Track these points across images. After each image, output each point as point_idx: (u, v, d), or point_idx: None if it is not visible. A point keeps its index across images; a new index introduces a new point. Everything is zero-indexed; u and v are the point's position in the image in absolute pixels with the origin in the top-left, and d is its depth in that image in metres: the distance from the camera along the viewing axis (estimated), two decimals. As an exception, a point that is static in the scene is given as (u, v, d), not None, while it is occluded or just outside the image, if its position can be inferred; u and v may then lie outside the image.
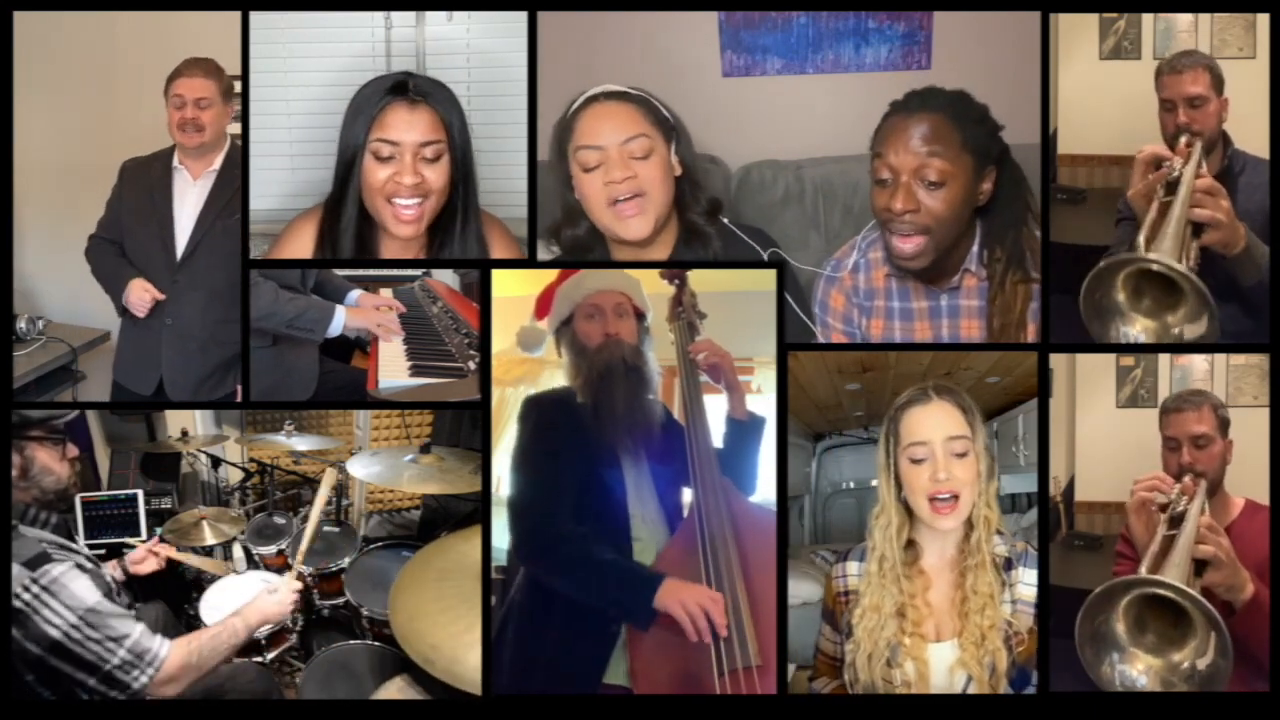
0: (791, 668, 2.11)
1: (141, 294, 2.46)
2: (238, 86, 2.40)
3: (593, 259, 2.17)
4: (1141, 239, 1.85)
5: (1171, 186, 1.89)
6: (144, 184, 2.52)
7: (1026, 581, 1.77)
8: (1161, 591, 1.75)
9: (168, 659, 1.84)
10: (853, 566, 1.87)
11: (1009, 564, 1.78)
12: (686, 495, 1.95)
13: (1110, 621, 1.81)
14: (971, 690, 1.73)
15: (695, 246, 2.15)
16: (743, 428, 2.03)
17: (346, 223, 2.10)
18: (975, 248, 2.07)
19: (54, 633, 1.78)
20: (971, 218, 2.04)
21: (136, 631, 1.84)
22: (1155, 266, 1.81)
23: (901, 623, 1.76)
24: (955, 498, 1.73)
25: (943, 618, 1.77)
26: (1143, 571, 1.78)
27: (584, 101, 2.07)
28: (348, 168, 2.07)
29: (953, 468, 1.74)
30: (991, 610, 1.73)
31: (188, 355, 2.49)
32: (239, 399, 2.55)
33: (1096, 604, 1.80)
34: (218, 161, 2.50)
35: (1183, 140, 1.99)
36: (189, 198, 2.49)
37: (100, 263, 2.56)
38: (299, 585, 2.12)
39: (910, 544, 1.80)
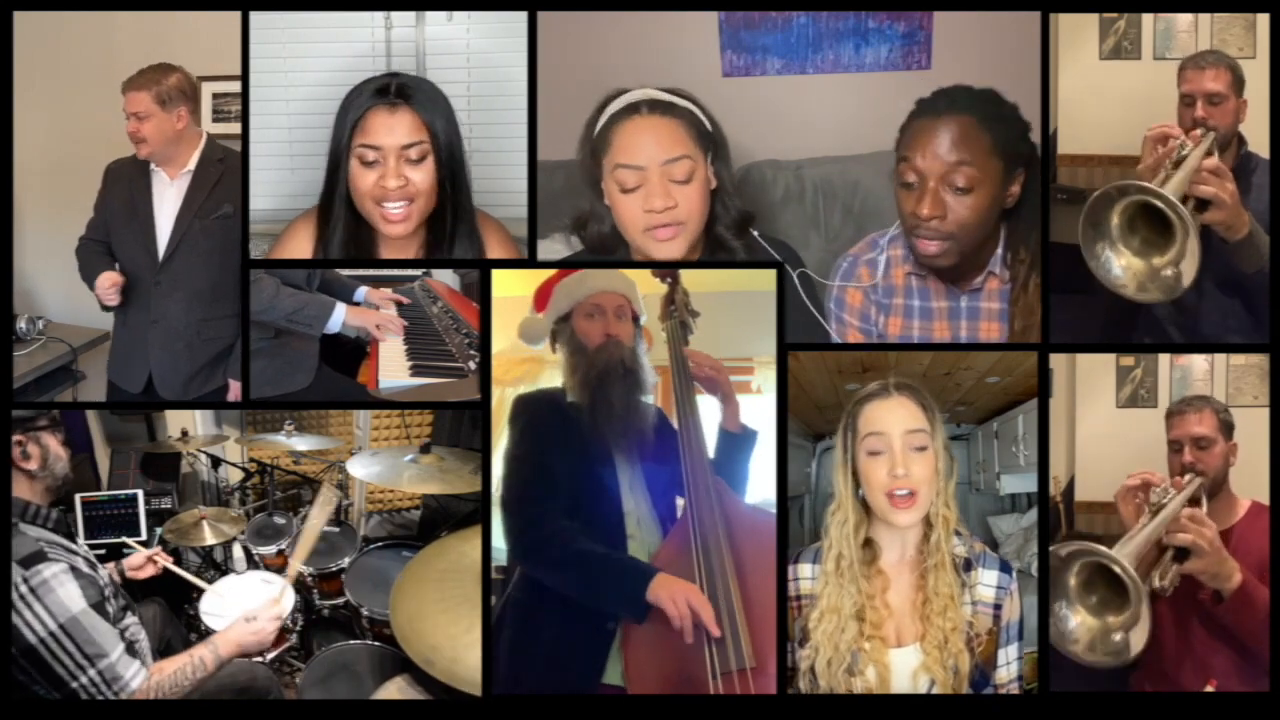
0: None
1: (104, 284, 2.49)
2: (240, 87, 2.39)
3: (616, 257, 2.14)
4: None
5: (1178, 164, 1.91)
6: (125, 186, 2.55)
7: (985, 582, 1.75)
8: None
9: (136, 690, 1.85)
10: (805, 569, 1.81)
11: (968, 565, 1.75)
12: (680, 500, 1.93)
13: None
14: (935, 693, 1.71)
15: (722, 259, 2.12)
16: (735, 440, 2.01)
17: (334, 225, 2.11)
18: (1000, 250, 2.04)
19: (31, 638, 1.78)
20: (998, 220, 2.01)
21: (114, 654, 1.83)
22: (1151, 198, 1.82)
23: (861, 626, 1.71)
24: (913, 494, 1.70)
25: (903, 620, 1.74)
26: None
27: (624, 109, 2.01)
28: (334, 171, 2.08)
29: (911, 463, 1.70)
30: (953, 612, 1.70)
31: (175, 354, 2.52)
32: (237, 398, 2.57)
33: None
34: (192, 161, 2.52)
35: (1198, 131, 2.01)
36: (167, 198, 2.51)
37: (83, 262, 2.59)
38: (282, 614, 2.11)
39: (868, 543, 1.76)
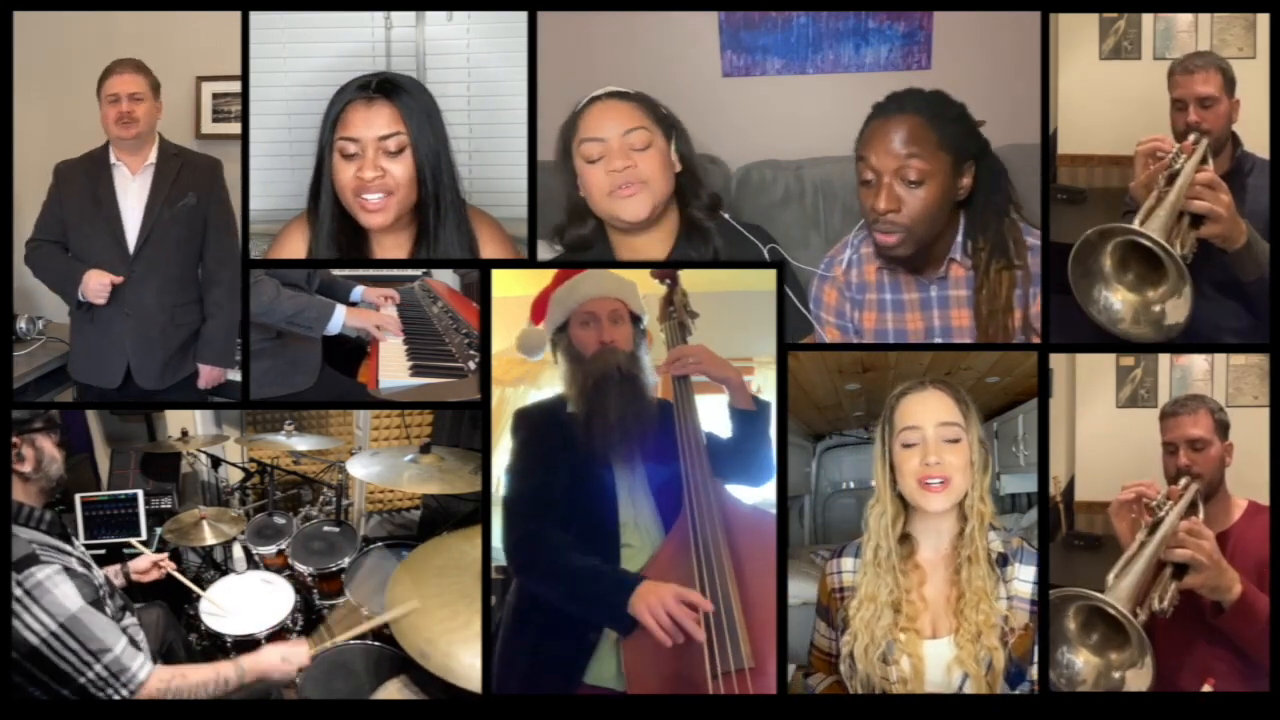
0: (791, 668, 2.10)
1: (100, 280, 2.50)
2: (240, 87, 2.40)
3: (594, 256, 2.17)
4: (1136, 223, 1.90)
5: (1173, 178, 1.93)
6: (84, 183, 2.57)
7: (1022, 578, 1.77)
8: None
9: (146, 684, 1.84)
10: (848, 563, 1.87)
11: (1004, 560, 1.77)
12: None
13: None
14: (968, 688, 1.72)
15: (696, 242, 2.17)
16: (749, 417, 2.02)
17: (322, 220, 2.12)
18: (959, 238, 2.12)
19: (33, 639, 1.78)
20: (954, 211, 2.09)
21: (118, 647, 1.83)
22: (1138, 239, 1.86)
23: (896, 618, 1.75)
24: (946, 481, 1.73)
25: (938, 614, 1.77)
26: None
27: (587, 101, 2.11)
28: (319, 168, 2.10)
29: (943, 453, 1.74)
30: (986, 606, 1.72)
31: (149, 341, 2.55)
32: (206, 383, 2.61)
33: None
34: (152, 155, 2.56)
35: (1191, 138, 2.02)
36: (131, 192, 2.55)
37: (47, 264, 2.60)
38: (307, 664, 2.12)
39: (905, 538, 1.80)
